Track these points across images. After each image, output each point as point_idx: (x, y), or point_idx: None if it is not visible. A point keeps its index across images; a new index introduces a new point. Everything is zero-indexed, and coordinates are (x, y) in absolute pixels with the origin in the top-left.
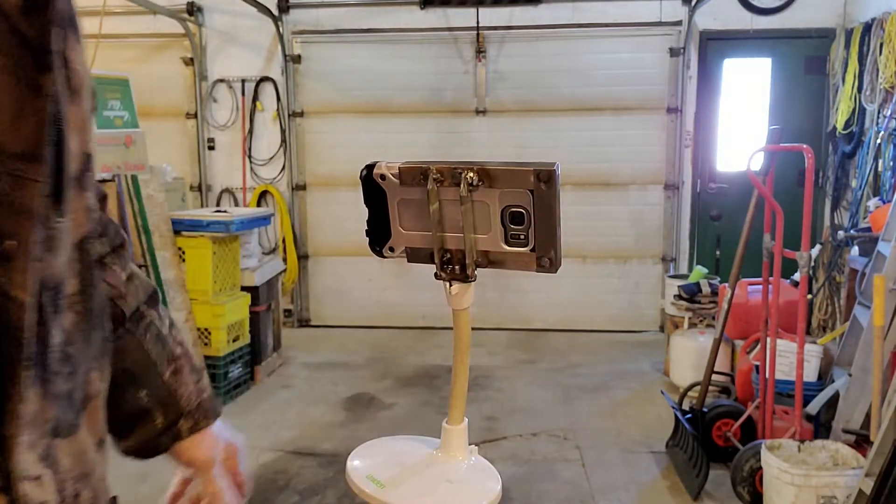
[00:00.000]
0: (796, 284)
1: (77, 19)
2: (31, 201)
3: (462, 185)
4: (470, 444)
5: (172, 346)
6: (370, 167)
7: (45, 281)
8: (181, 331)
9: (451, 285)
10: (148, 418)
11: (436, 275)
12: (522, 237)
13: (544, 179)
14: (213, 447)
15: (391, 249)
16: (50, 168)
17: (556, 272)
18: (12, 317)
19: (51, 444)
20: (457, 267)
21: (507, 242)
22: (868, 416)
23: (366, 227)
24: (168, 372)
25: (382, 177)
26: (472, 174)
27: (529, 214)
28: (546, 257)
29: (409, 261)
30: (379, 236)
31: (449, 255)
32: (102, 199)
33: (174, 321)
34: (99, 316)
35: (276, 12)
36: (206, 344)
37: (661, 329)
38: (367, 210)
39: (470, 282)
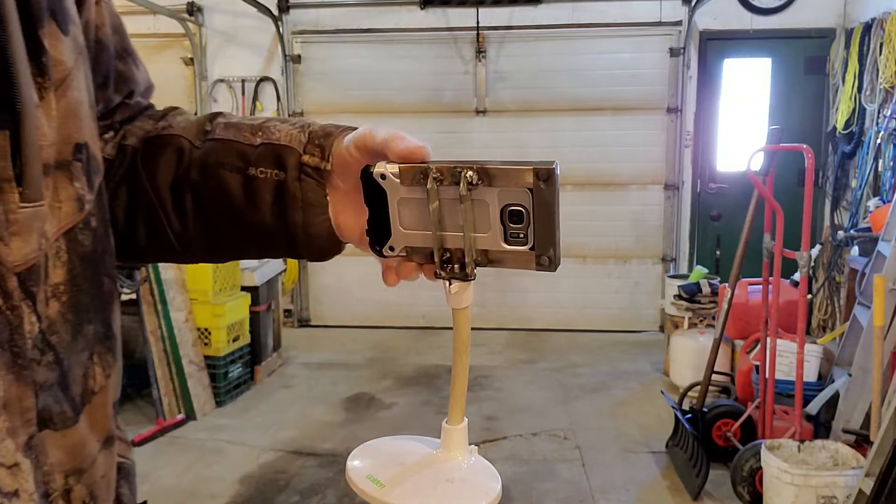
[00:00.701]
0: (796, 284)
1: (64, 12)
2: None
3: (462, 184)
4: (470, 444)
5: (248, 120)
6: (370, 166)
7: (9, 265)
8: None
9: (450, 284)
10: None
11: (435, 273)
12: (522, 236)
13: (543, 178)
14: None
15: (391, 249)
16: (8, 152)
17: (555, 270)
18: None
19: (37, 435)
20: (456, 266)
21: (506, 241)
22: (868, 416)
23: (366, 227)
24: (258, 138)
25: (383, 176)
26: (471, 173)
27: (529, 213)
28: (545, 255)
29: (408, 260)
30: (379, 236)
31: (448, 255)
32: (145, 90)
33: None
34: (97, 310)
35: (276, 12)
36: (206, 344)
37: (661, 329)
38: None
39: (469, 280)
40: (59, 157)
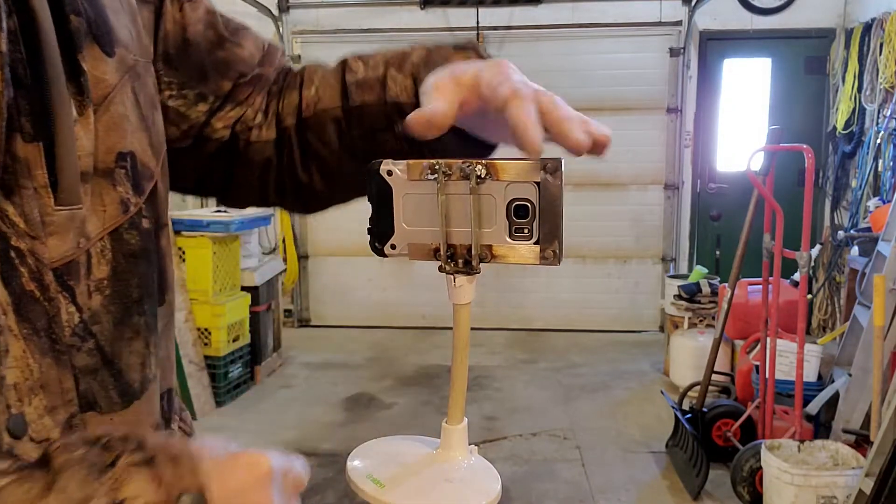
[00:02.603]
0: (796, 284)
1: (109, 36)
2: None
3: (472, 178)
4: (470, 444)
5: (373, 73)
6: (377, 162)
7: (46, 262)
8: (378, 53)
9: (454, 279)
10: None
11: (440, 268)
12: (526, 231)
13: (551, 171)
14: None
15: (392, 247)
16: (42, 162)
17: (559, 264)
18: None
19: (78, 415)
20: (460, 261)
21: (510, 236)
22: (868, 416)
23: (368, 226)
24: (383, 93)
25: (389, 172)
26: (480, 167)
27: (534, 207)
28: (550, 250)
29: (410, 258)
30: (379, 235)
31: (452, 251)
32: (264, 58)
33: (370, 55)
34: (149, 303)
35: (276, 12)
36: (206, 344)
37: (661, 329)
38: (367, 208)
39: (474, 274)
40: (100, 165)
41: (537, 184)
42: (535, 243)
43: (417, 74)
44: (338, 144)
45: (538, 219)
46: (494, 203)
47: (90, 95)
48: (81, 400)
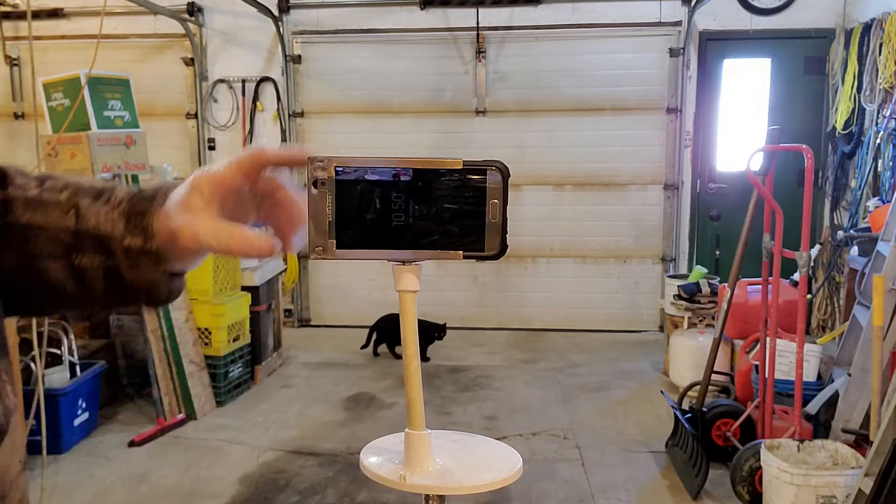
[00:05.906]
0: (796, 284)
1: None
2: None
3: None
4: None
5: (52, 196)
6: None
7: None
8: (59, 176)
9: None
10: (88, 277)
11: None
12: None
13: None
14: (184, 222)
15: None
16: None
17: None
18: None
19: None
20: None
21: None
22: (867, 416)
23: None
24: (71, 220)
25: None
26: None
27: None
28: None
29: None
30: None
31: None
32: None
33: (46, 176)
34: None
35: (276, 12)
36: (206, 344)
37: (661, 329)
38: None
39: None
40: None
41: None
42: None
43: (120, 205)
44: None
45: None
46: None
47: None
48: None
